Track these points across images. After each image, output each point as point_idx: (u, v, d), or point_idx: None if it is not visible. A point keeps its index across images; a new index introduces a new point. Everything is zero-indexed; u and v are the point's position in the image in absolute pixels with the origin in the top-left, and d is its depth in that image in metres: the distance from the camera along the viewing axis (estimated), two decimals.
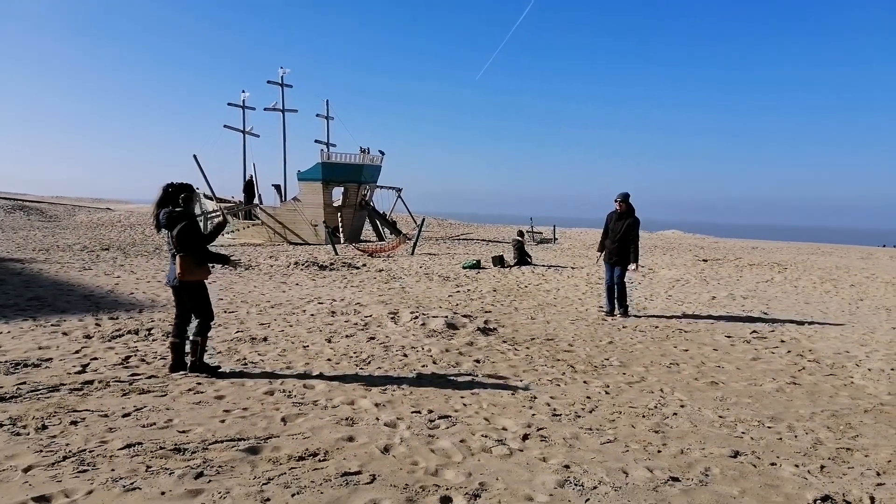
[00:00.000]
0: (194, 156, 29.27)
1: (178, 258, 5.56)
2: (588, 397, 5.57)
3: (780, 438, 4.67)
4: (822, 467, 4.13)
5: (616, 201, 10.02)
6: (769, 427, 4.93)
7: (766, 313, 10.42)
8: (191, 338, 5.80)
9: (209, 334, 6.09)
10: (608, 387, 5.94)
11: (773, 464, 4.15)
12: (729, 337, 8.37)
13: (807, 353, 7.56)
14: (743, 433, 4.75)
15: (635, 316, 9.84)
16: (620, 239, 9.84)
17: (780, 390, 6.01)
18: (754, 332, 8.73)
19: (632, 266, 9.94)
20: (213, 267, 5.87)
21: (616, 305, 9.92)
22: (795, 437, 4.72)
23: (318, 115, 32.02)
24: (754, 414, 5.25)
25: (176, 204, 5.67)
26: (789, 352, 7.62)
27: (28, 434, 4.13)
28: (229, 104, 31.70)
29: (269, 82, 30.46)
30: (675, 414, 5.17)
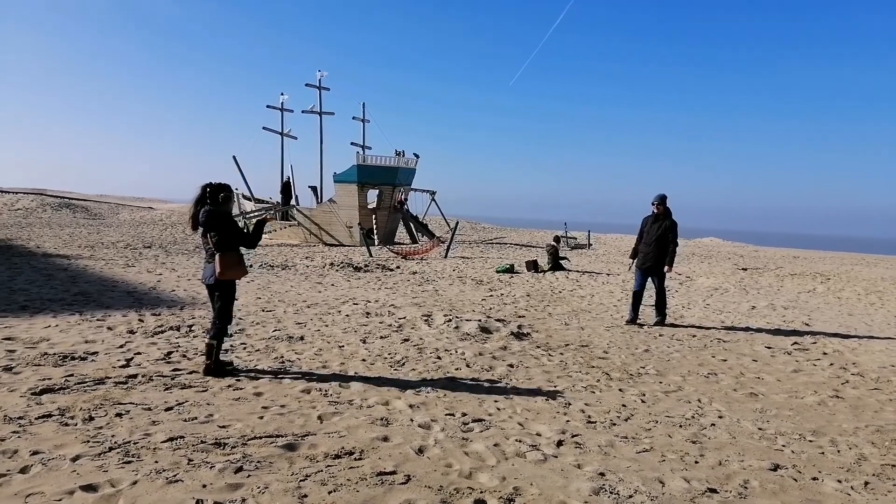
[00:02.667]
0: (234, 157, 29.93)
1: (217, 256, 5.60)
2: (623, 405, 5.51)
3: (822, 453, 4.56)
4: (867, 483, 4.02)
5: (653, 203, 9.67)
6: (811, 441, 4.81)
7: (807, 324, 10.17)
8: (206, 340, 5.80)
9: (227, 336, 6.08)
10: (644, 395, 5.87)
11: (814, 478, 4.06)
12: (769, 348, 8.19)
13: (850, 367, 7.35)
14: (783, 446, 4.65)
15: (672, 325, 9.69)
16: (656, 242, 9.48)
17: (822, 403, 5.87)
18: (795, 343, 8.53)
19: (665, 268, 9.56)
20: (250, 266, 5.91)
21: (655, 313, 9.70)
22: (838, 451, 4.61)
23: (354, 118, 32.41)
24: (795, 427, 5.14)
25: (215, 203, 5.72)
26: (832, 364, 7.43)
27: (76, 424, 4.27)
28: (268, 106, 32.31)
29: (307, 85, 30.92)
30: (713, 425, 5.09)
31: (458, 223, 25.84)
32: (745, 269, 19.22)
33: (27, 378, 5.28)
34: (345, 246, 25.76)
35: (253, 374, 5.80)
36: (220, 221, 5.67)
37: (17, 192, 43.14)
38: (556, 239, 19.21)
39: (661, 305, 9.67)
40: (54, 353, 6.09)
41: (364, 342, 7.42)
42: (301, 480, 3.57)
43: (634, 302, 9.67)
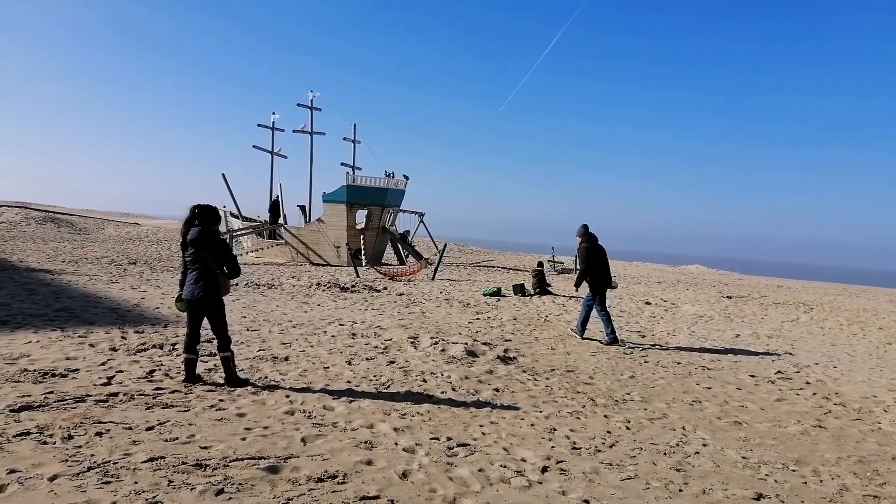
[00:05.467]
0: (223, 174, 29.84)
1: (219, 274, 5.96)
2: (608, 432, 5.51)
3: (805, 482, 4.58)
4: None
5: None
6: (794, 470, 4.83)
7: (791, 353, 10.25)
8: (220, 355, 6.12)
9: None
10: (629, 422, 5.88)
11: None
12: (753, 376, 8.24)
13: (833, 396, 7.41)
14: (767, 475, 4.66)
15: (657, 352, 9.72)
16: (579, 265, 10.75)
17: (805, 433, 5.90)
18: (779, 372, 8.59)
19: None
20: (235, 285, 6.21)
21: (606, 333, 10.09)
22: (821, 481, 4.63)
23: (345, 139, 32.51)
24: (778, 456, 5.16)
25: (206, 223, 5.98)
26: (815, 394, 7.48)
27: (54, 443, 4.20)
28: (259, 125, 32.33)
29: (299, 105, 31.02)
30: (697, 453, 5.10)
31: (445, 245, 25.86)
32: (730, 298, 19.37)
33: (6, 395, 5.19)
34: (332, 266, 25.69)
35: (236, 394, 5.74)
36: (214, 241, 5.98)
37: (0, 206, 42.72)
38: (540, 264, 19.28)
39: (605, 324, 10.13)
40: (34, 370, 6.00)
41: (349, 364, 7.38)
42: None
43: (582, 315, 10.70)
